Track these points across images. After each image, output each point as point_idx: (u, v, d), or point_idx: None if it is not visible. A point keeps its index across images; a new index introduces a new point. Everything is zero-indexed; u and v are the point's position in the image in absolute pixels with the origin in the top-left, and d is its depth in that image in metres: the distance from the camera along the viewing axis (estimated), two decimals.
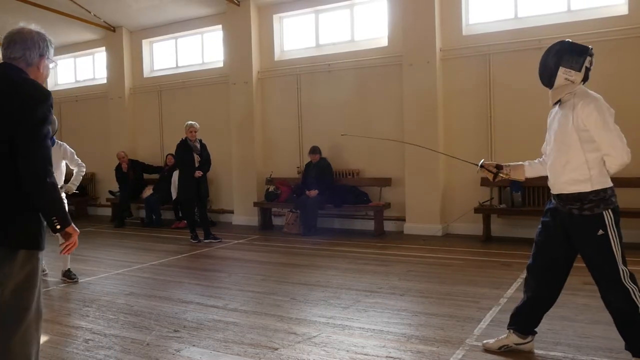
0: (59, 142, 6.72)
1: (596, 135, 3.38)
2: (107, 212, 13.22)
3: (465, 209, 8.94)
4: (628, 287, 3.34)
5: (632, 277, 3.39)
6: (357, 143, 10.25)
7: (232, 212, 11.71)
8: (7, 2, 11.51)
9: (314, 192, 9.72)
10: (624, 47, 8.11)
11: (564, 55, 3.50)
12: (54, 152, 6.57)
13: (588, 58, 3.52)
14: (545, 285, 3.74)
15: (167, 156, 12.02)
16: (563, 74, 3.49)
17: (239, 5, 11.12)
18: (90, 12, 11.99)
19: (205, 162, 9.51)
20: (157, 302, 5.60)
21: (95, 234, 10.73)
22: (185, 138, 9.41)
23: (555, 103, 3.60)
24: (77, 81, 14.78)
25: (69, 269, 6.68)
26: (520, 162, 4.01)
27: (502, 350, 3.89)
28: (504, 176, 3.98)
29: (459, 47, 9.25)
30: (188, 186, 9.41)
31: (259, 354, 4.03)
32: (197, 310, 5.22)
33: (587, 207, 3.41)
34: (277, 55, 11.26)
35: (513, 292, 5.49)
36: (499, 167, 3.97)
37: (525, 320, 3.83)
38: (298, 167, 10.88)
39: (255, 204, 10.94)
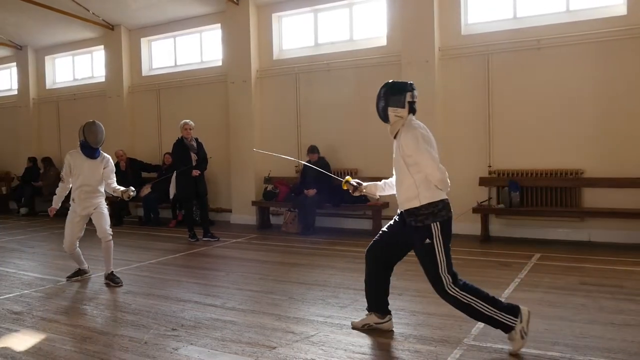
0: (104, 154, 6.48)
1: (416, 157, 3.95)
2: None
3: (464, 208, 8.93)
4: (453, 293, 3.92)
5: (456, 282, 3.93)
6: (355, 142, 10.25)
7: (230, 211, 11.70)
8: (7, 0, 11.50)
9: (312, 192, 9.71)
10: (623, 47, 8.12)
11: (389, 97, 4.11)
12: (96, 165, 6.30)
13: (408, 94, 4.10)
14: (380, 267, 4.37)
15: (164, 155, 12.01)
16: (392, 113, 4.10)
17: (237, 4, 11.10)
18: (89, 11, 11.97)
19: (202, 161, 9.50)
20: (155, 300, 5.59)
21: (93, 232, 10.66)
22: (181, 137, 9.40)
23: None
24: (75, 79, 14.77)
25: (112, 272, 6.40)
26: (376, 182, 4.63)
27: (365, 328, 4.42)
28: (362, 191, 4.63)
29: (457, 46, 9.25)
30: (186, 185, 9.40)
31: (257, 352, 4.03)
32: (195, 309, 5.22)
33: (419, 218, 3.98)
34: (276, 54, 11.25)
35: (511, 292, 5.49)
36: (359, 184, 4.62)
37: (375, 301, 4.42)
38: (296, 167, 10.88)
39: (253, 203, 10.94)
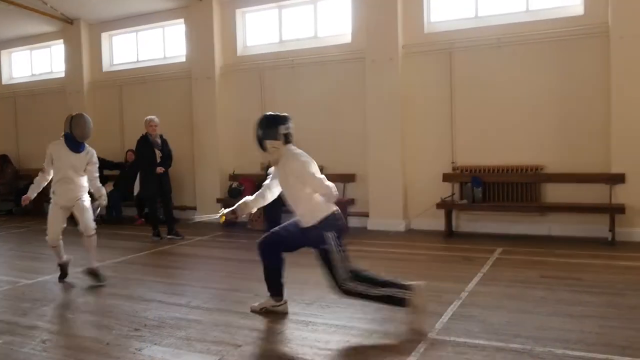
0: (89, 147, 6.24)
1: (305, 180, 4.47)
2: None
3: (428, 204, 9.05)
4: (347, 287, 4.35)
5: (352, 277, 4.34)
6: (321, 139, 10.25)
7: (194, 208, 11.57)
8: None
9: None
10: (580, 46, 8.32)
11: (265, 130, 4.58)
12: (80, 159, 6.09)
13: (282, 126, 4.60)
14: (279, 258, 4.79)
15: (127, 152, 11.82)
16: (269, 144, 4.59)
17: None
18: (46, 4, 11.66)
19: (167, 158, 9.37)
20: (118, 300, 5.50)
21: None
22: (146, 133, 9.26)
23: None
24: (33, 75, 14.38)
25: (97, 267, 6.24)
26: (246, 199, 5.03)
27: (263, 311, 4.84)
28: (241, 214, 5.01)
29: (421, 44, 9.33)
30: (150, 183, 9.27)
31: (222, 351, 4.00)
32: (159, 308, 5.15)
33: (318, 228, 4.46)
34: (240, 51, 11.17)
35: (474, 286, 5.58)
36: (234, 211, 4.95)
37: (272, 284, 4.85)
38: (262, 163, 10.82)
39: (218, 200, 10.85)
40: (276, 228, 4.90)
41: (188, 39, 11.58)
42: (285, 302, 4.89)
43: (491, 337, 4.09)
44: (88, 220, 6.21)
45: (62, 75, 13.31)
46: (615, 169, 7.99)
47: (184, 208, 11.77)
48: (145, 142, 9.25)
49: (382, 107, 9.38)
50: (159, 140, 9.30)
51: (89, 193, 6.36)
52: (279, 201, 9.82)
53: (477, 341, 4.01)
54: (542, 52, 8.56)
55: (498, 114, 8.86)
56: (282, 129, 4.59)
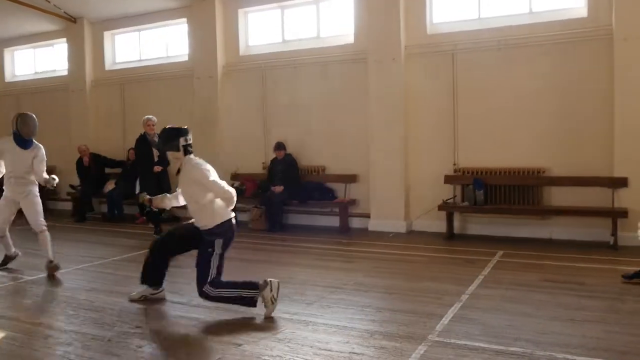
0: (37, 144, 6.61)
1: (207, 187, 4.78)
2: (68, 206, 12.89)
3: (429, 206, 9.04)
4: (207, 291, 4.75)
5: (212, 282, 4.76)
6: (322, 138, 10.26)
7: None
8: None
9: (279, 188, 9.69)
10: (583, 48, 8.30)
11: (165, 143, 4.93)
12: (26, 155, 6.42)
13: (182, 138, 4.88)
14: (169, 253, 5.18)
15: (129, 150, 11.82)
16: (170, 156, 4.94)
17: None
18: (50, 2, 11.67)
19: (165, 157, 9.40)
20: (119, 297, 5.50)
21: (55, 229, 10.39)
22: (144, 133, 9.31)
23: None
24: (36, 72, 14.39)
25: (51, 260, 6.54)
26: (165, 196, 5.50)
27: (142, 299, 5.24)
28: (155, 204, 5.47)
29: (423, 45, 9.32)
30: (148, 181, 9.28)
31: (223, 349, 4.00)
32: (160, 306, 5.16)
33: (212, 233, 4.83)
34: (242, 50, 11.17)
35: (475, 289, 5.58)
36: (151, 200, 5.43)
37: (152, 276, 5.23)
38: (263, 163, 10.84)
39: None
40: (173, 229, 5.26)
41: (190, 38, 11.59)
42: (163, 290, 5.33)
43: (491, 340, 4.09)
44: (36, 216, 6.53)
45: (65, 73, 13.33)
46: (618, 173, 7.97)
47: (185, 207, 11.75)
48: (143, 142, 9.30)
49: (384, 108, 9.38)
50: (156, 140, 9.33)
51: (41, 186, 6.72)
52: (281, 201, 9.90)
53: (477, 344, 4.01)
54: (545, 54, 8.55)
55: (500, 116, 8.84)
56: (182, 141, 4.86)
